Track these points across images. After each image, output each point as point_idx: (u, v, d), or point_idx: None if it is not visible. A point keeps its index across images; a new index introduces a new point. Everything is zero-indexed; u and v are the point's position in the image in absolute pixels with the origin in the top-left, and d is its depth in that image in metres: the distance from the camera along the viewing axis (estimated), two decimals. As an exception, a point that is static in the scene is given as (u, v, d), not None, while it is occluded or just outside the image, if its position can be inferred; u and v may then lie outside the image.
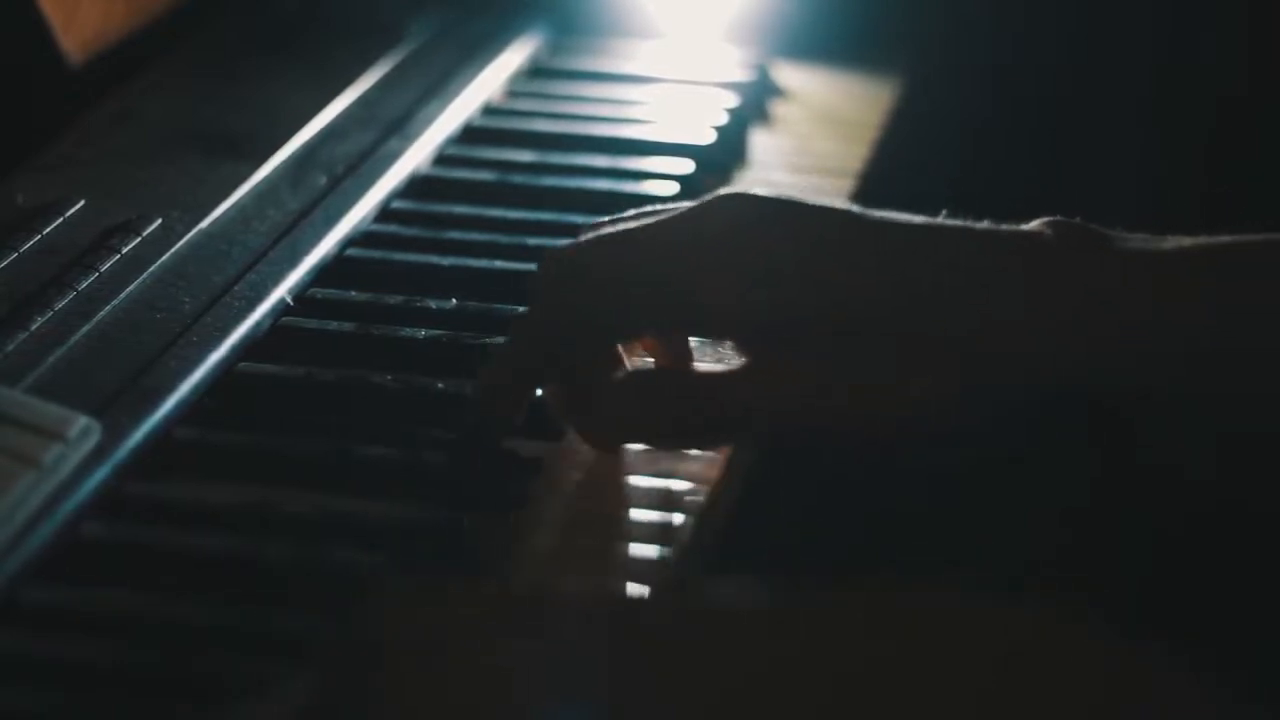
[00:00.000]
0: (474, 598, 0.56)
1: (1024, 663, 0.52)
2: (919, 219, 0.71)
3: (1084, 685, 0.52)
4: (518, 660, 0.53)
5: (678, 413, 0.73)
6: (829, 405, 0.70)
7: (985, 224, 0.71)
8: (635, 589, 0.68)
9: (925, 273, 0.70)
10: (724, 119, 1.02)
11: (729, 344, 0.73)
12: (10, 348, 0.75)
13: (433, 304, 0.83)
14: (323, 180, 0.92)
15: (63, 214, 0.85)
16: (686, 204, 0.74)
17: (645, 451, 0.75)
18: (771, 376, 0.71)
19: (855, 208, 0.72)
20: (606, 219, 0.77)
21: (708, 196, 0.74)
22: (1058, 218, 0.71)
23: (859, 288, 0.70)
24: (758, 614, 0.54)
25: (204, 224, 0.86)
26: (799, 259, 0.71)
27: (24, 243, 0.82)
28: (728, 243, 0.72)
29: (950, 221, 0.71)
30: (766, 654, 0.52)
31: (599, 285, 0.73)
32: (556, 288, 0.74)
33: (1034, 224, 0.71)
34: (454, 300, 0.83)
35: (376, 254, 0.88)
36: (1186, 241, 0.70)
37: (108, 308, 0.78)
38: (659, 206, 0.75)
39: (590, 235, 0.75)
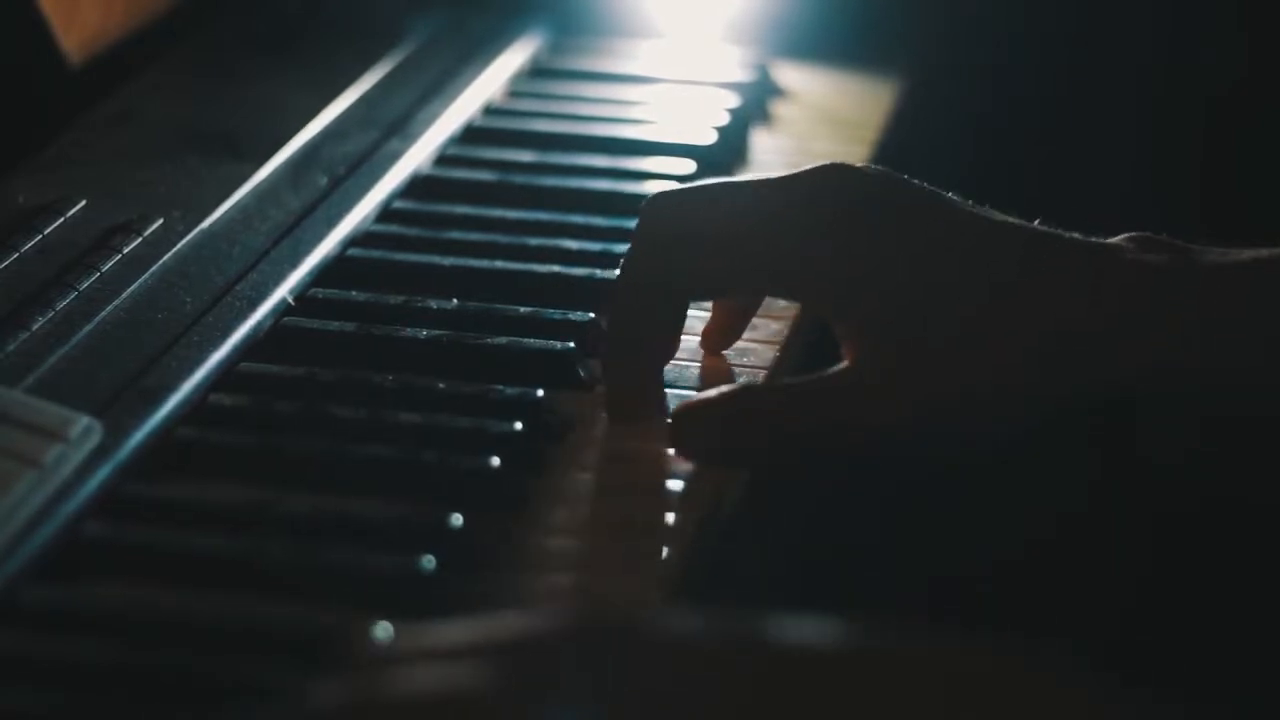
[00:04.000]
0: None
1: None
2: (1013, 220, 0.74)
3: None
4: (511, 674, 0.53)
5: (776, 430, 0.73)
6: (939, 411, 0.72)
7: (1074, 235, 0.74)
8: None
9: (1013, 274, 0.73)
10: (725, 119, 1.03)
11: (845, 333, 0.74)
12: (11, 347, 0.75)
13: (434, 304, 0.83)
14: (324, 180, 0.92)
15: (64, 214, 0.85)
16: (790, 173, 0.77)
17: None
18: (887, 384, 0.72)
19: (951, 196, 0.75)
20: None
21: (812, 167, 0.76)
22: (1144, 233, 0.74)
23: (949, 281, 0.73)
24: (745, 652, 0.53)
25: (205, 224, 0.86)
26: (901, 248, 0.73)
27: (25, 242, 0.82)
28: (834, 218, 0.74)
29: (1041, 228, 0.74)
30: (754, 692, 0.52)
31: (698, 237, 0.76)
32: (659, 230, 0.76)
33: (1119, 238, 0.74)
34: (455, 300, 0.83)
35: (377, 254, 0.88)
36: (1264, 252, 0.73)
37: (109, 308, 0.79)
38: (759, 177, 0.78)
39: (700, 184, 0.79)
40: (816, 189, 0.75)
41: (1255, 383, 0.72)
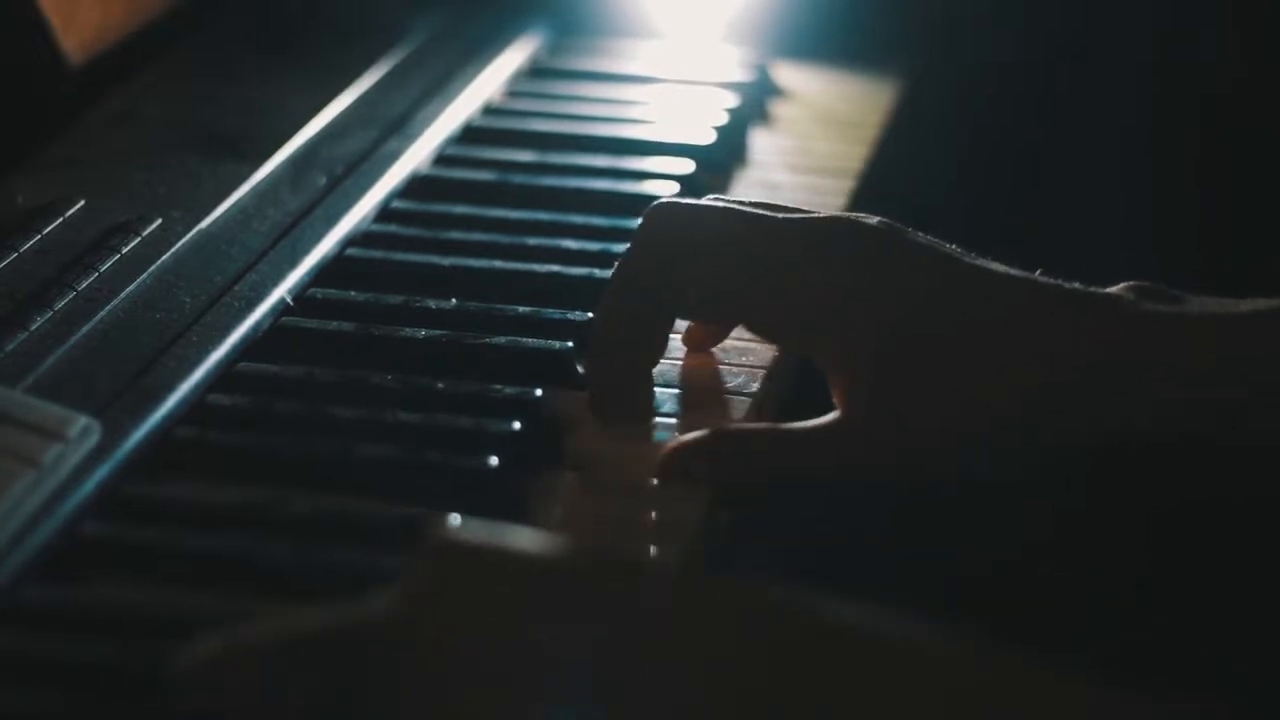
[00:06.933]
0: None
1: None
2: (1013, 271, 0.74)
3: None
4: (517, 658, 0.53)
5: (766, 472, 0.74)
6: (933, 460, 0.73)
7: (1075, 285, 0.74)
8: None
9: (1011, 325, 0.73)
10: (724, 119, 1.03)
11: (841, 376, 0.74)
12: (10, 347, 0.75)
13: (432, 304, 0.83)
14: (323, 180, 0.92)
15: (63, 214, 0.85)
16: (806, 212, 0.76)
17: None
18: (881, 433, 0.73)
19: (953, 248, 0.75)
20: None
21: (823, 215, 0.76)
22: (1143, 282, 0.74)
23: (947, 332, 0.73)
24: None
25: (204, 224, 0.86)
26: (900, 301, 0.73)
27: (24, 243, 0.82)
28: (836, 269, 0.74)
29: (1042, 279, 0.74)
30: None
31: (698, 252, 0.76)
32: (659, 237, 0.76)
33: (1118, 287, 0.74)
34: (454, 300, 0.83)
35: (376, 254, 0.88)
36: (1262, 303, 0.73)
37: (108, 308, 0.79)
38: (774, 206, 0.77)
39: (708, 202, 0.78)
40: (823, 238, 0.75)
41: (1249, 429, 0.73)
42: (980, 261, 0.75)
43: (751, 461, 0.74)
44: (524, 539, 0.56)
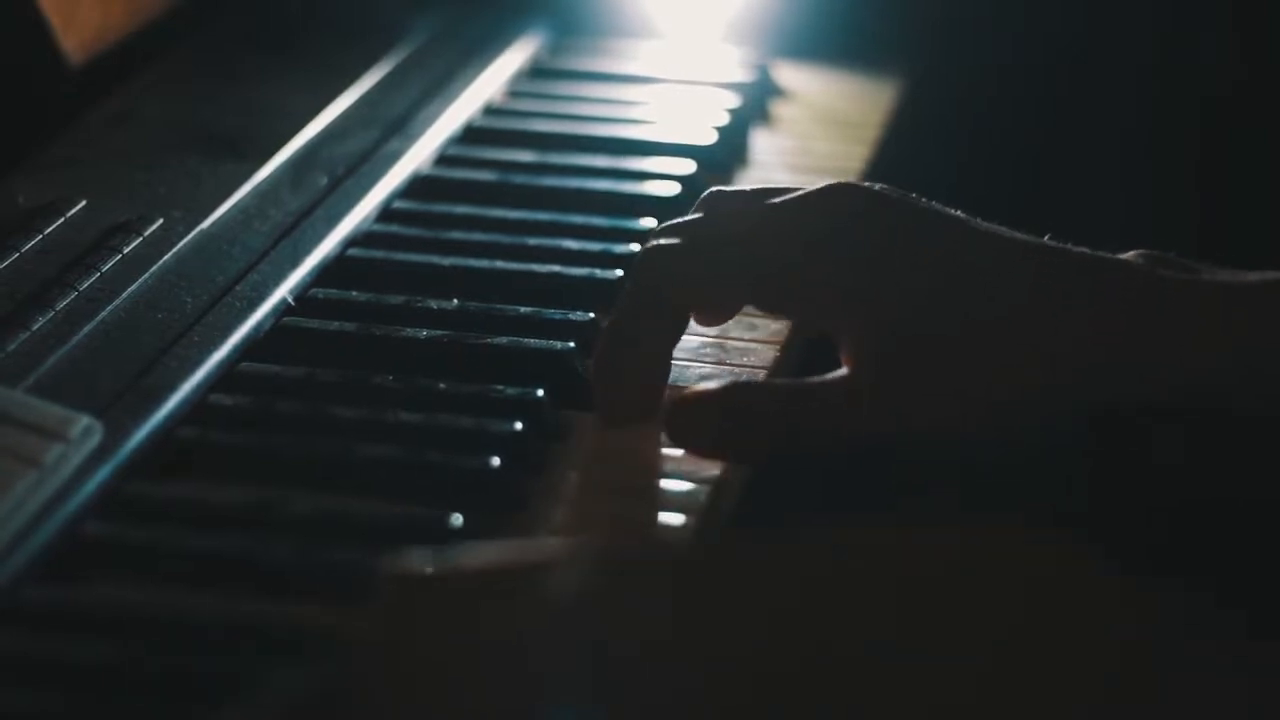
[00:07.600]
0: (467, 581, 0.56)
1: (1041, 599, 0.53)
2: (1022, 236, 0.74)
3: (1097, 624, 0.53)
4: (513, 655, 0.53)
5: (771, 427, 0.74)
6: (942, 423, 0.73)
7: (1084, 249, 0.74)
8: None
9: (1023, 290, 0.73)
10: (725, 119, 1.03)
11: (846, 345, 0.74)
12: (11, 347, 0.75)
13: (434, 304, 0.83)
14: (324, 180, 0.92)
15: (64, 214, 0.85)
16: (800, 190, 0.76)
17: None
18: (889, 394, 0.73)
19: (963, 215, 0.75)
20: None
21: (821, 185, 0.76)
22: (1152, 251, 0.74)
23: (957, 295, 0.73)
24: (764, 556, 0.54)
25: (205, 224, 0.86)
26: (909, 262, 0.73)
27: (25, 243, 0.82)
28: (844, 232, 0.74)
29: (1051, 243, 0.74)
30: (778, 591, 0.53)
31: (708, 250, 0.76)
32: (669, 255, 0.76)
33: (1129, 254, 0.74)
34: (455, 300, 0.83)
35: (378, 254, 0.88)
36: (1271, 275, 0.73)
37: (109, 308, 0.79)
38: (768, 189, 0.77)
39: (713, 191, 0.79)
40: (824, 236, 0.75)
41: (1259, 399, 0.73)
42: (990, 226, 0.74)
43: (755, 415, 0.74)
44: (487, 556, 0.56)
